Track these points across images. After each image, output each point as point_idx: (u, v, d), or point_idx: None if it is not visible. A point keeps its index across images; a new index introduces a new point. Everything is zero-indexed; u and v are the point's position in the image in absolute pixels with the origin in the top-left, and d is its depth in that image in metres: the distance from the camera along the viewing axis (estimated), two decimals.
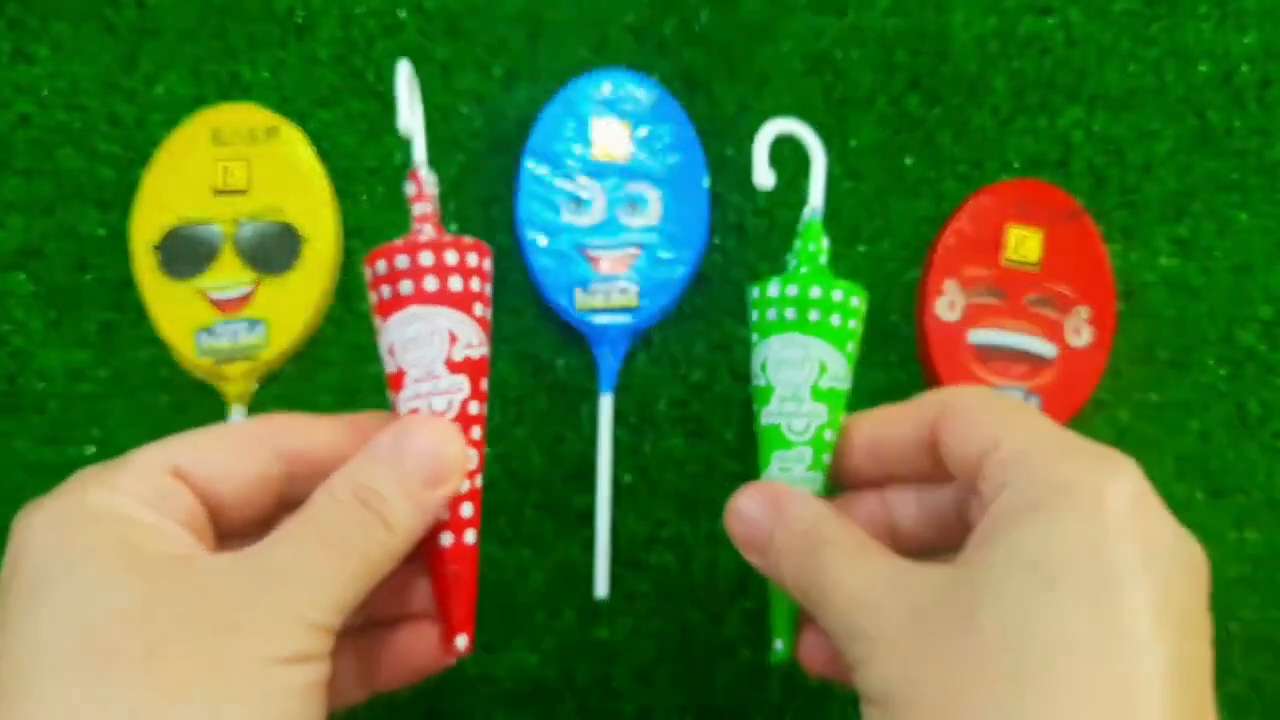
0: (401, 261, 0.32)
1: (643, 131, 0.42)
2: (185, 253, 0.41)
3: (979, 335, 0.42)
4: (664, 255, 0.42)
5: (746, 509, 0.31)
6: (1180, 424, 0.44)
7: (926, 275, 0.43)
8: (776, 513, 0.30)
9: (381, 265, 0.32)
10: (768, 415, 0.33)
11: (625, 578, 0.42)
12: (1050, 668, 0.23)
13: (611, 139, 0.42)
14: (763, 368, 0.33)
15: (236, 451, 0.29)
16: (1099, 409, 0.43)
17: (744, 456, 0.42)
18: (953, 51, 0.44)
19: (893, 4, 0.45)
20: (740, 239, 0.43)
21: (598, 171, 0.42)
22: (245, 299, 0.41)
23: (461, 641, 0.33)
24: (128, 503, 0.26)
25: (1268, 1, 0.45)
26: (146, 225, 0.42)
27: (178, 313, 0.41)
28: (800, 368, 0.33)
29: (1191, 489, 0.43)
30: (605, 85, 0.42)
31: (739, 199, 0.43)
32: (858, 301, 0.33)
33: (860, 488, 0.33)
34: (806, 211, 0.34)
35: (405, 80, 0.33)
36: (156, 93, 0.43)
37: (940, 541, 0.32)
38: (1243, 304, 0.44)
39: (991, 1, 0.45)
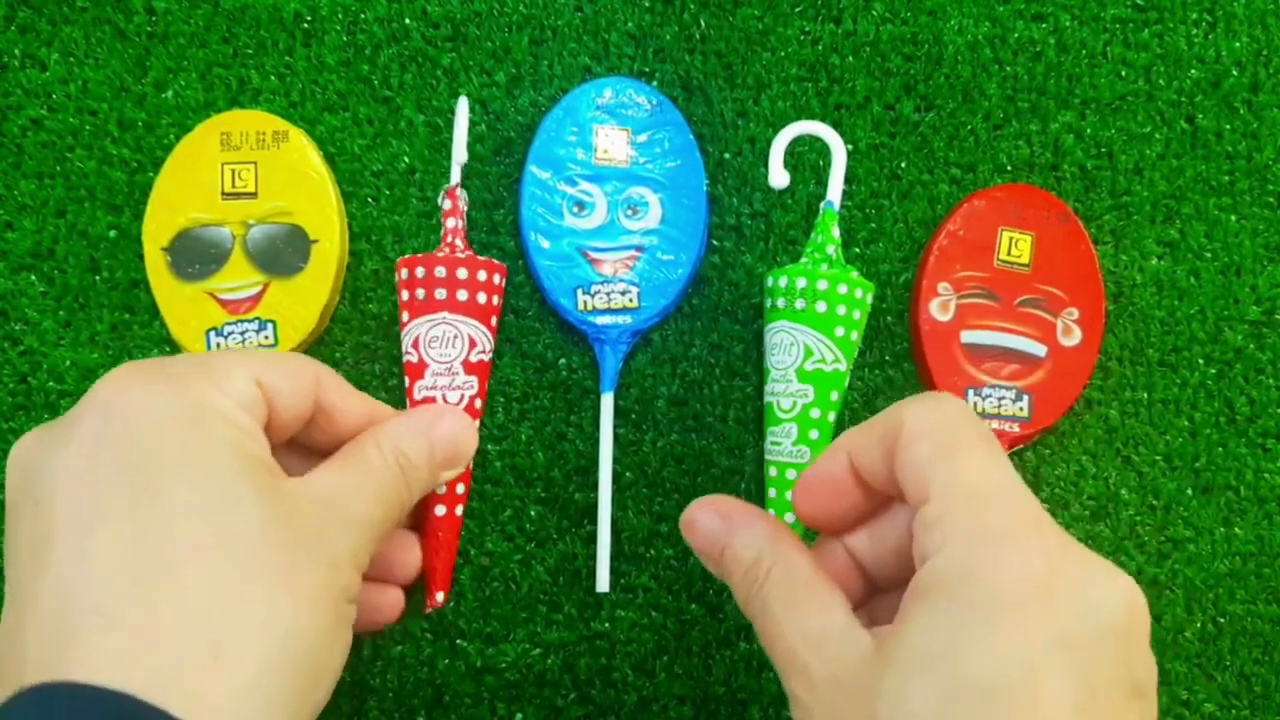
0: (440, 271, 0.39)
1: (643, 137, 0.43)
2: (195, 255, 0.42)
3: (971, 335, 0.43)
4: (664, 257, 0.43)
5: (702, 523, 0.30)
6: (1170, 422, 0.44)
7: (920, 277, 0.43)
8: (728, 533, 0.30)
9: (420, 270, 0.40)
10: (766, 394, 0.40)
11: (626, 572, 0.42)
12: None
13: (612, 144, 0.43)
14: (767, 351, 0.39)
15: (296, 381, 0.31)
16: (1089, 407, 0.44)
17: (741, 453, 0.43)
18: (946, 57, 0.45)
19: (887, 11, 0.45)
20: (738, 241, 0.44)
21: (599, 176, 0.43)
22: (254, 300, 0.42)
23: (440, 596, 0.41)
24: (233, 407, 0.28)
25: (1256, 7, 0.46)
26: (157, 228, 0.42)
27: (188, 313, 0.42)
28: (788, 352, 0.38)
29: (1181, 486, 0.44)
30: (606, 91, 0.43)
31: (737, 202, 0.44)
32: (845, 289, 0.37)
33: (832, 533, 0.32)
34: (824, 203, 0.39)
35: (464, 115, 0.39)
36: (166, 98, 0.44)
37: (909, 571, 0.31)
38: (1231, 305, 0.45)
39: (985, 8, 0.45)
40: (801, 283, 0.37)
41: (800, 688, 0.26)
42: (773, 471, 0.40)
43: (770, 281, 0.39)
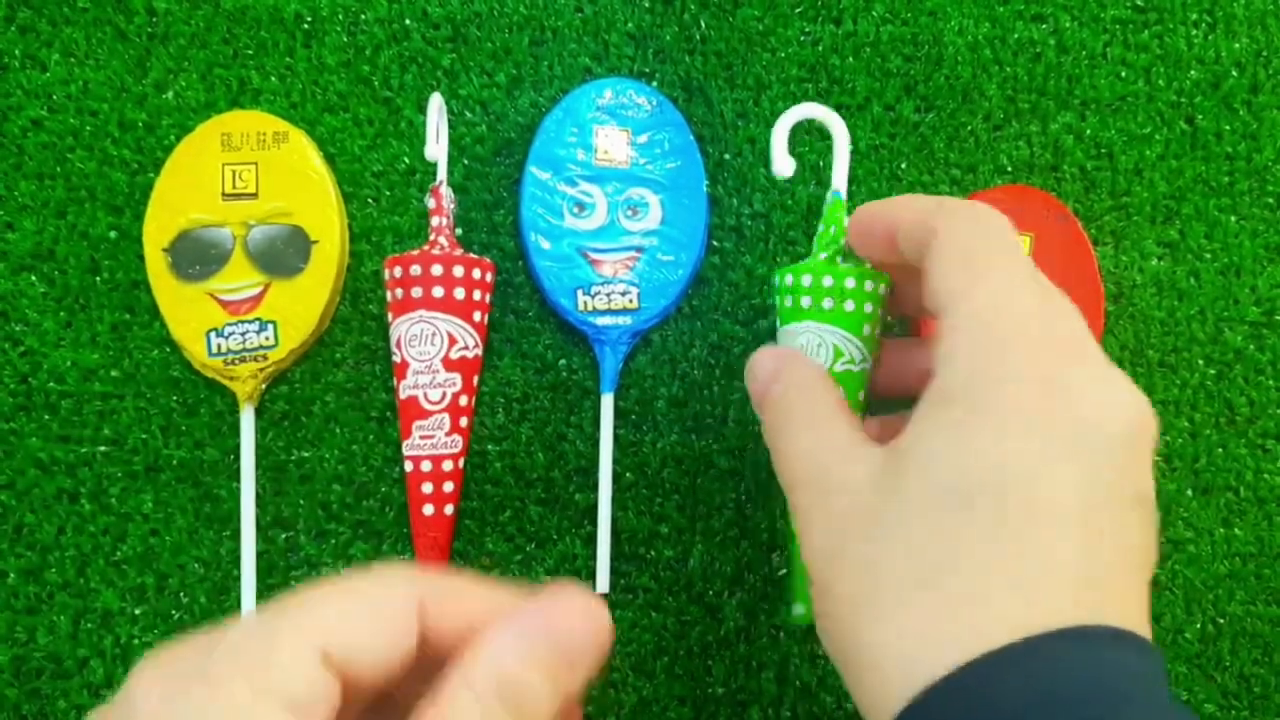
0: (415, 269, 0.39)
1: (643, 137, 0.43)
2: (196, 255, 0.42)
3: None
4: (664, 258, 0.43)
5: (760, 363, 0.32)
6: (1169, 422, 0.44)
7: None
8: (779, 370, 0.31)
9: (398, 270, 0.39)
10: None
11: (626, 572, 0.42)
12: (955, 572, 0.23)
13: (612, 145, 0.43)
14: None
15: (387, 631, 0.24)
16: None
17: (741, 454, 0.43)
18: (946, 58, 0.45)
19: (888, 12, 0.45)
20: (738, 241, 0.44)
21: (599, 176, 0.43)
22: (255, 300, 0.42)
23: None
24: (269, 714, 0.21)
25: (1256, 8, 0.46)
26: (158, 228, 0.42)
27: (188, 314, 0.42)
28: (816, 354, 0.34)
29: (1181, 486, 0.44)
30: (606, 92, 0.43)
31: (737, 203, 0.44)
32: (871, 285, 0.34)
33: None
34: (830, 193, 0.36)
35: (436, 111, 0.39)
36: (167, 98, 0.44)
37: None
38: (1231, 305, 0.45)
39: (985, 9, 0.45)
40: (828, 280, 0.34)
41: (805, 498, 0.27)
42: None
43: (788, 280, 0.36)
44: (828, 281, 0.34)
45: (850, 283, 0.34)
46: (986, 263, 0.27)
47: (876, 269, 0.34)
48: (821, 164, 0.44)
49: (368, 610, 0.23)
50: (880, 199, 0.32)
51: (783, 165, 0.35)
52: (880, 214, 0.31)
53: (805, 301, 0.35)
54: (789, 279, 0.35)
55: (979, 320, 0.26)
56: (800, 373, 0.31)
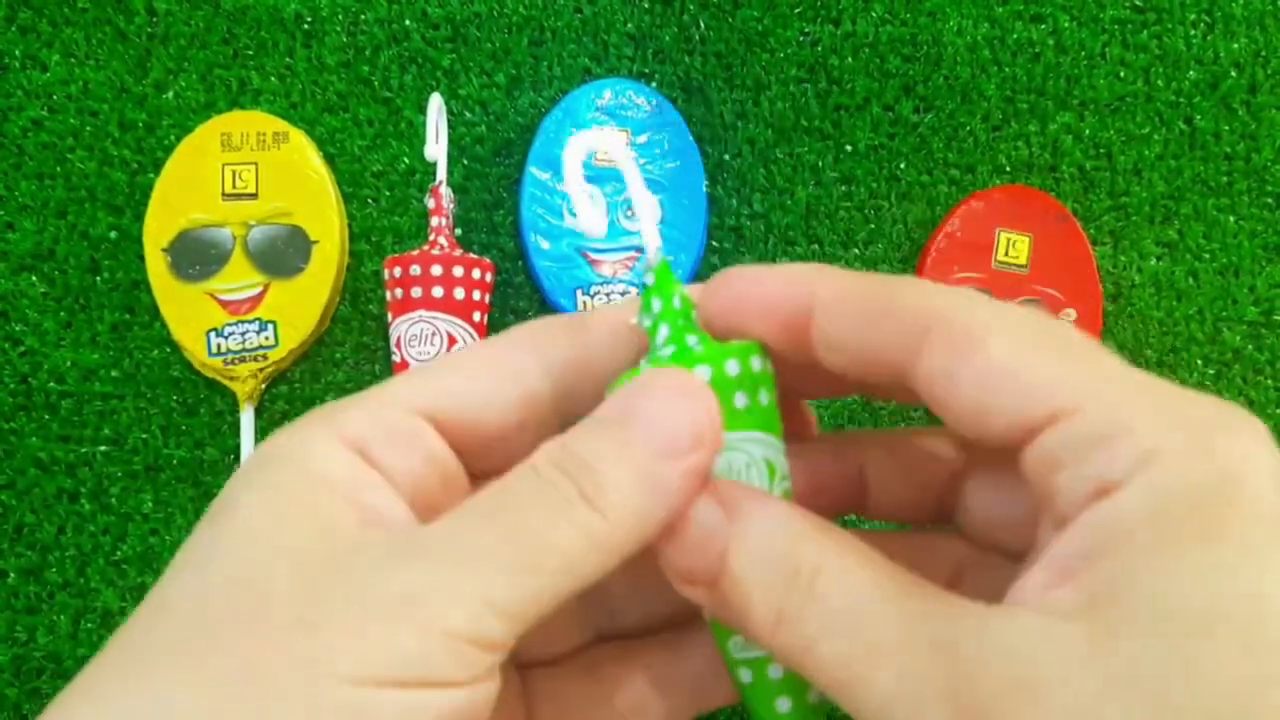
0: (415, 269, 0.39)
1: (642, 138, 0.43)
2: (196, 255, 0.42)
3: None
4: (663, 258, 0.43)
5: (696, 514, 0.20)
6: None
7: (919, 278, 0.43)
8: (735, 525, 0.20)
9: (398, 270, 0.39)
10: None
11: None
12: None
13: (612, 145, 0.43)
14: None
15: (500, 376, 0.21)
16: None
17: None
18: (945, 58, 0.45)
19: (887, 12, 0.45)
20: (737, 242, 0.44)
21: (599, 177, 0.43)
22: (255, 301, 0.42)
23: None
24: (338, 458, 0.20)
25: (1255, 9, 0.46)
26: (158, 228, 0.42)
27: (188, 314, 0.42)
28: (744, 479, 0.21)
29: None
30: (606, 93, 0.43)
31: (736, 203, 0.44)
32: (760, 364, 0.22)
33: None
34: (650, 255, 0.23)
35: (435, 112, 0.39)
36: (167, 99, 0.44)
37: (913, 511, 0.23)
38: (1230, 305, 0.45)
39: (984, 9, 0.45)
40: (732, 367, 0.21)
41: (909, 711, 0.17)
42: (775, 671, 0.22)
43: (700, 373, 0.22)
44: (732, 368, 0.21)
45: (755, 364, 0.22)
46: (1088, 352, 0.18)
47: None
48: (820, 164, 0.44)
49: (482, 368, 0.21)
50: (736, 269, 0.22)
51: (591, 222, 0.24)
52: (770, 288, 0.21)
53: (737, 400, 0.22)
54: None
55: (1153, 418, 0.17)
56: (786, 512, 0.20)
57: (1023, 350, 0.18)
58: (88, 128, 0.44)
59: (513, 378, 0.21)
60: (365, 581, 0.17)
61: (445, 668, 0.17)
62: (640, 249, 0.43)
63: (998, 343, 0.18)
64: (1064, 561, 0.17)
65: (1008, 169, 0.45)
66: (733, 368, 0.21)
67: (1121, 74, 0.45)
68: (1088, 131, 0.45)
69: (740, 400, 0.21)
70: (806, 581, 0.18)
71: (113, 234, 0.43)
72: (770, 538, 0.19)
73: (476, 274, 0.41)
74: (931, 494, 0.23)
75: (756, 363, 0.22)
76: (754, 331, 0.21)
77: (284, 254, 0.42)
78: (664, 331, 0.22)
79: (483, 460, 0.21)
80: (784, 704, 0.22)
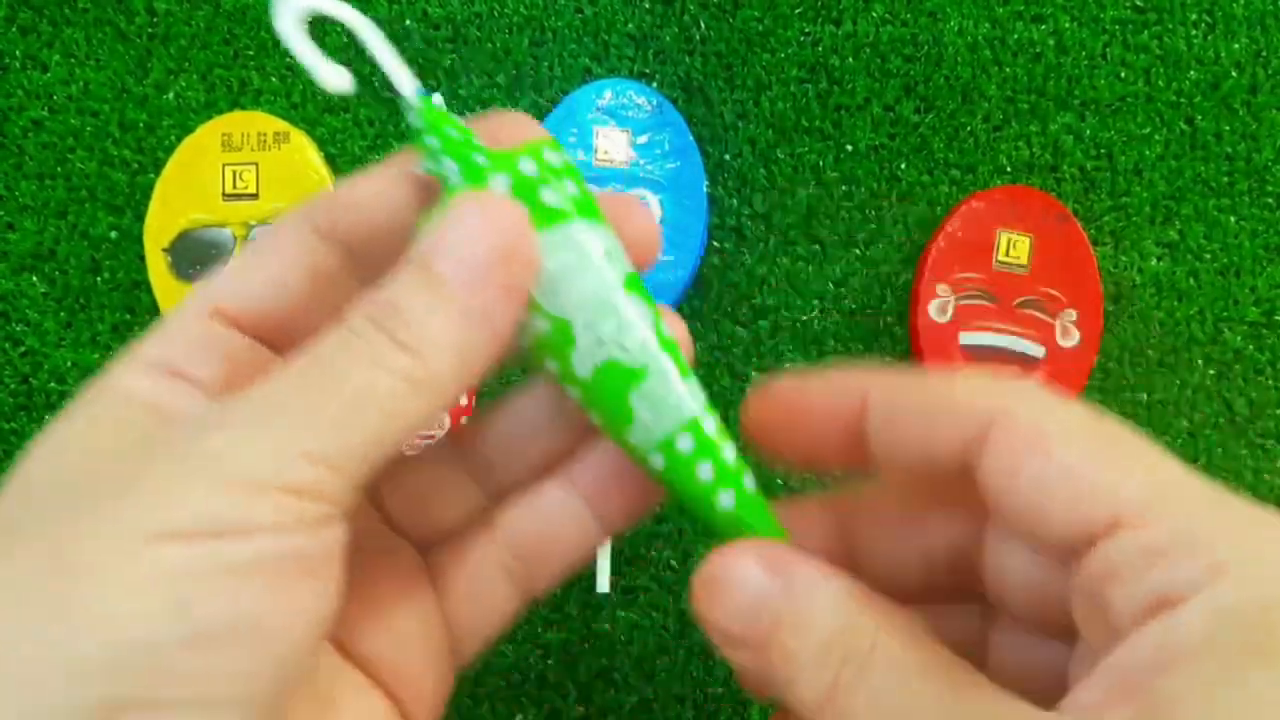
0: None
1: (643, 138, 0.43)
2: (197, 255, 0.42)
3: (970, 337, 0.43)
4: (664, 258, 0.43)
5: (739, 577, 0.19)
6: (1169, 423, 0.44)
7: (919, 278, 0.43)
8: (789, 596, 0.19)
9: None
10: (583, 360, 0.21)
11: (626, 572, 0.42)
12: None
13: (612, 145, 0.43)
14: (532, 307, 0.20)
15: (283, 259, 0.21)
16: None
17: (742, 453, 0.43)
18: (946, 58, 0.45)
19: (887, 12, 0.45)
20: (738, 242, 0.44)
21: (599, 177, 0.43)
22: None
23: None
24: (139, 377, 0.20)
25: (1256, 9, 0.46)
26: (158, 229, 0.42)
27: None
28: (583, 273, 0.20)
29: None
30: (606, 93, 0.43)
31: (737, 203, 0.44)
32: (556, 157, 0.21)
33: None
34: (407, 95, 0.22)
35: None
36: (168, 99, 0.44)
37: (916, 594, 0.22)
38: (1230, 305, 0.45)
39: (984, 9, 0.45)
40: (529, 167, 0.20)
41: None
42: (685, 443, 0.22)
43: (496, 183, 0.21)
44: (528, 168, 0.20)
45: (552, 158, 0.21)
46: (1152, 458, 0.18)
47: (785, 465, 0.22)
48: (821, 164, 0.44)
49: (264, 259, 0.21)
50: (778, 381, 0.22)
51: (329, 73, 0.22)
52: (820, 398, 0.21)
53: (545, 197, 0.20)
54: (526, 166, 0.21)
55: (1218, 532, 0.16)
56: (842, 593, 0.19)
57: (1086, 453, 0.17)
58: (88, 128, 0.44)
59: (295, 257, 0.21)
60: (170, 453, 0.17)
61: (257, 517, 0.16)
62: None
63: (1061, 444, 0.17)
64: (1121, 676, 0.16)
65: (1008, 169, 0.45)
66: (528, 167, 0.20)
67: (1122, 74, 0.45)
68: (1088, 132, 0.45)
69: (549, 197, 0.20)
70: (860, 663, 0.18)
71: (113, 234, 0.43)
72: (827, 615, 0.18)
73: None
74: (938, 568, 0.22)
75: (553, 157, 0.21)
76: (808, 444, 0.21)
77: None
78: (450, 166, 0.21)
79: (298, 343, 0.20)
80: (726, 499, 0.21)
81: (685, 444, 0.21)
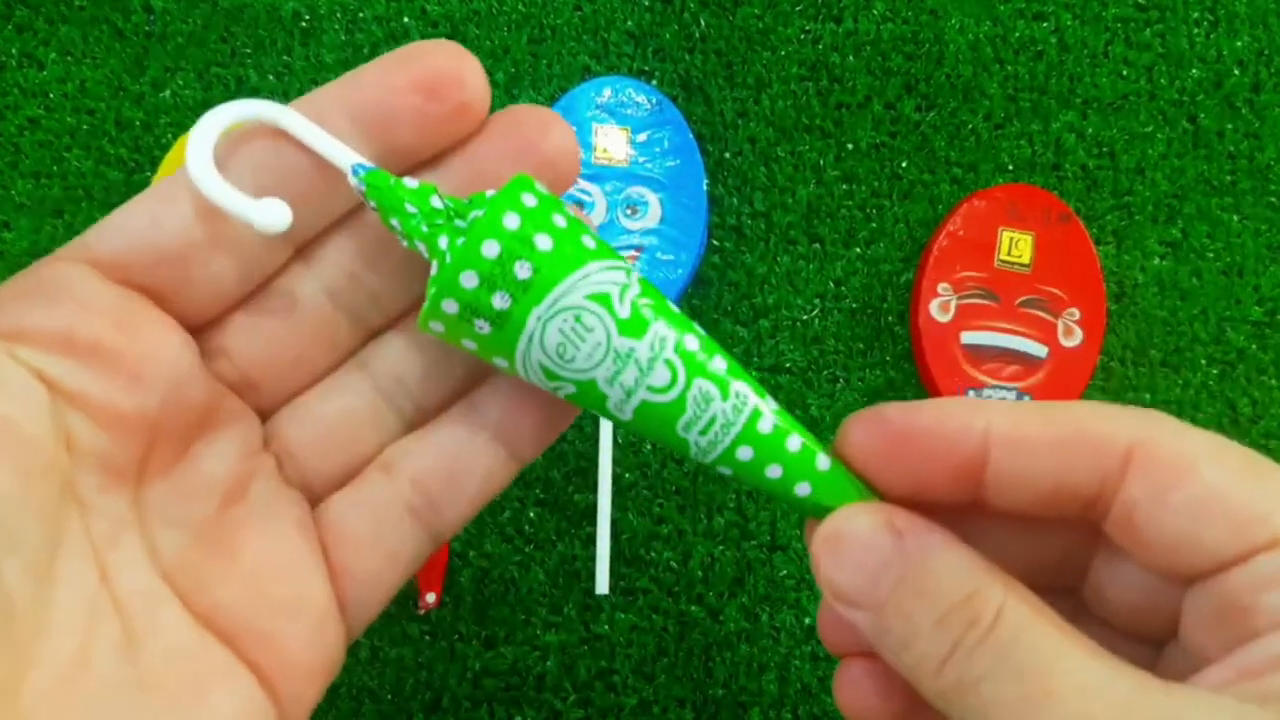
0: None
1: (642, 136, 0.43)
2: None
3: (972, 336, 0.42)
4: (663, 257, 0.42)
5: (868, 539, 0.19)
6: None
7: (921, 277, 0.43)
8: (911, 559, 0.19)
9: None
10: (619, 407, 0.21)
11: (626, 574, 0.42)
12: None
13: (612, 143, 0.43)
14: (550, 376, 0.21)
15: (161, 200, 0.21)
16: None
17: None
18: (948, 56, 0.45)
19: (888, 10, 0.45)
20: (738, 241, 0.44)
21: (598, 175, 0.43)
22: None
23: (431, 597, 0.40)
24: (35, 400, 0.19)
25: (1258, 7, 0.46)
26: None
27: None
28: (585, 329, 0.20)
29: None
30: (606, 91, 0.43)
31: (737, 202, 0.44)
32: (531, 198, 0.20)
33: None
34: (350, 172, 0.20)
35: None
36: (164, 97, 0.44)
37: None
38: (1234, 305, 0.44)
39: (986, 7, 0.45)
40: (491, 248, 0.19)
41: None
42: (745, 453, 0.21)
43: (449, 307, 0.20)
44: (511, 222, 0.20)
45: (529, 200, 0.20)
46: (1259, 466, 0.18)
47: (870, 491, 0.21)
48: (822, 162, 0.44)
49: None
50: (882, 409, 0.20)
51: (263, 214, 0.19)
52: (936, 428, 0.19)
53: (499, 301, 0.20)
54: (449, 306, 0.20)
55: None
56: (966, 555, 0.19)
57: (1237, 476, 0.18)
58: (84, 126, 0.44)
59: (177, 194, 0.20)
60: None
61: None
62: (639, 247, 0.42)
63: (1210, 468, 0.18)
64: (1262, 660, 0.17)
65: (1010, 168, 0.45)
66: (490, 249, 0.19)
67: (1124, 72, 0.45)
68: (1090, 130, 0.45)
69: (520, 271, 0.19)
70: (987, 626, 0.18)
71: None
72: (953, 580, 0.18)
73: None
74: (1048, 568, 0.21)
75: (529, 199, 0.20)
76: (916, 476, 0.20)
77: None
78: (420, 247, 0.20)
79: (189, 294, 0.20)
80: (803, 489, 0.21)
81: (745, 454, 0.21)
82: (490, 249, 0.19)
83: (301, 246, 0.21)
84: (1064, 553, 0.21)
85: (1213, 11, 0.46)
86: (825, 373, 0.43)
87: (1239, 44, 0.46)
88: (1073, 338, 0.43)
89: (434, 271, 0.20)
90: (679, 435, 0.21)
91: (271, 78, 0.44)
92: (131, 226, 0.20)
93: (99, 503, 0.19)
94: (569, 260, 0.20)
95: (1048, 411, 0.19)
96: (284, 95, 0.44)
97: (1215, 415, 0.44)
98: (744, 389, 0.21)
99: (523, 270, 0.19)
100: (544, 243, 0.20)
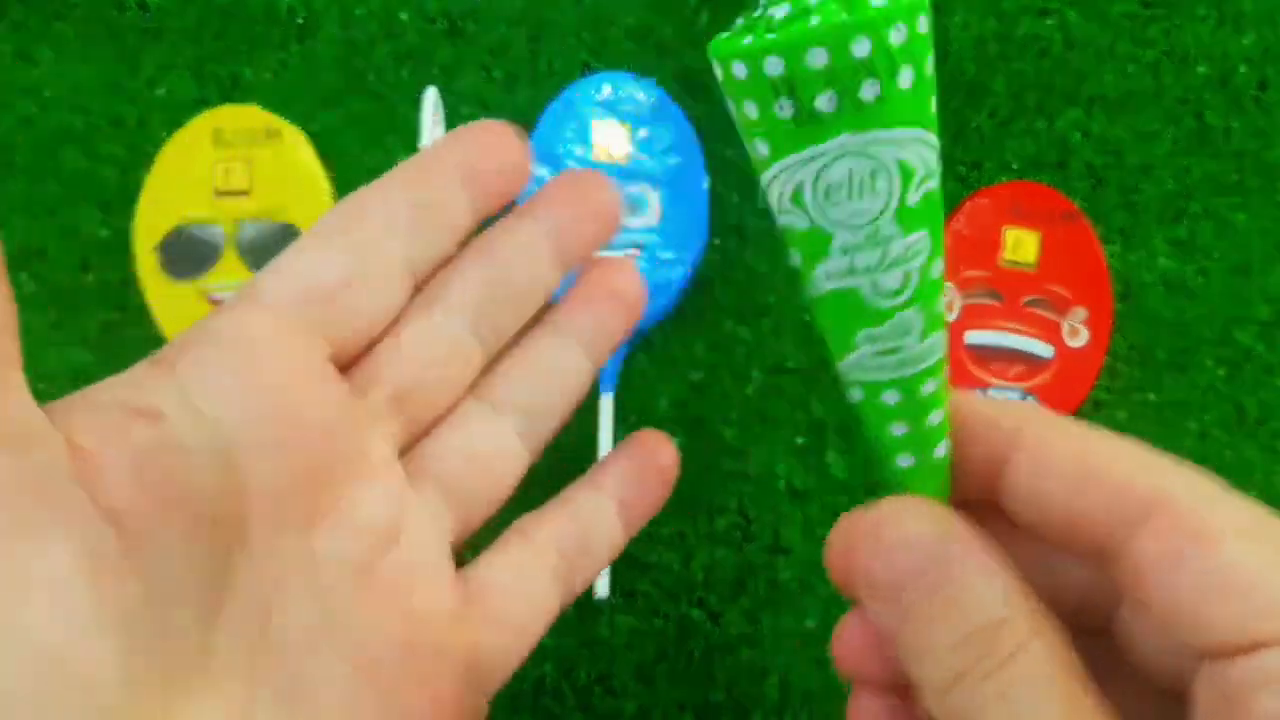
0: None
1: (642, 133, 0.43)
2: (187, 253, 0.42)
3: (976, 336, 0.42)
4: (664, 256, 0.42)
5: (915, 537, 0.19)
6: (1178, 424, 0.44)
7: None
8: (952, 572, 0.18)
9: None
10: (827, 276, 0.19)
11: (625, 576, 0.42)
12: None
13: (611, 140, 0.43)
14: (796, 199, 0.18)
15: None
16: (1097, 409, 0.43)
17: (744, 456, 0.42)
18: (951, 53, 0.45)
19: None
20: (740, 239, 0.44)
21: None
22: None
23: None
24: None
25: (1266, 3, 0.46)
26: (148, 226, 0.42)
27: (179, 313, 0.41)
28: (870, 189, 0.18)
29: None
30: (605, 87, 0.43)
31: (738, 199, 0.44)
32: (900, 35, 0.17)
33: None
34: None
35: (431, 107, 0.38)
36: (158, 94, 0.44)
37: None
38: (1241, 305, 0.44)
39: (990, 3, 0.45)
40: (862, 48, 0.16)
41: None
42: (891, 398, 0.20)
43: (772, 68, 0.17)
44: (861, 49, 0.16)
45: (898, 36, 0.17)
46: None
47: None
48: None
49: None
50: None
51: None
52: (972, 412, 0.20)
53: (825, 101, 0.17)
54: (772, 65, 0.17)
55: None
56: (997, 576, 0.18)
57: (1262, 556, 0.16)
58: (78, 124, 0.44)
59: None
60: None
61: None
62: (639, 245, 0.42)
63: (1236, 544, 0.16)
64: None
65: (1015, 165, 0.44)
66: (861, 49, 0.16)
67: (1130, 69, 0.45)
68: (1096, 128, 0.45)
69: (867, 91, 0.17)
70: (999, 661, 0.17)
71: (103, 232, 0.43)
72: (984, 605, 0.17)
73: None
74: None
75: (898, 36, 0.17)
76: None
77: (276, 251, 0.41)
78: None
79: None
80: (905, 460, 0.20)
81: (891, 398, 0.19)
82: (861, 48, 0.16)
83: (428, 275, 0.24)
84: (1089, 588, 0.20)
85: (1219, 8, 0.46)
86: (828, 373, 0.43)
87: (1246, 41, 0.45)
88: (1079, 338, 0.42)
89: (781, 14, 0.17)
90: (854, 339, 0.19)
91: (267, 75, 0.44)
92: (296, 270, 0.22)
93: (269, 545, 0.19)
94: (916, 113, 0.18)
95: (1082, 437, 0.18)
96: (279, 92, 0.44)
97: (1222, 415, 0.44)
98: (939, 343, 0.19)
99: (869, 91, 0.17)
100: (905, 80, 0.17)
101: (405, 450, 0.24)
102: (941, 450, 0.20)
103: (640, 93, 0.43)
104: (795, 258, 0.19)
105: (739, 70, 0.17)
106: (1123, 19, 0.45)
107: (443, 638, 0.22)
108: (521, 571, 0.24)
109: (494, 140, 0.24)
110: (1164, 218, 0.45)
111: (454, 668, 0.22)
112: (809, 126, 0.17)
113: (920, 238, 0.18)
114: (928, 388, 0.20)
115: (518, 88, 0.44)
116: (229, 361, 0.20)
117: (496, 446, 0.25)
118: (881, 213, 0.18)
